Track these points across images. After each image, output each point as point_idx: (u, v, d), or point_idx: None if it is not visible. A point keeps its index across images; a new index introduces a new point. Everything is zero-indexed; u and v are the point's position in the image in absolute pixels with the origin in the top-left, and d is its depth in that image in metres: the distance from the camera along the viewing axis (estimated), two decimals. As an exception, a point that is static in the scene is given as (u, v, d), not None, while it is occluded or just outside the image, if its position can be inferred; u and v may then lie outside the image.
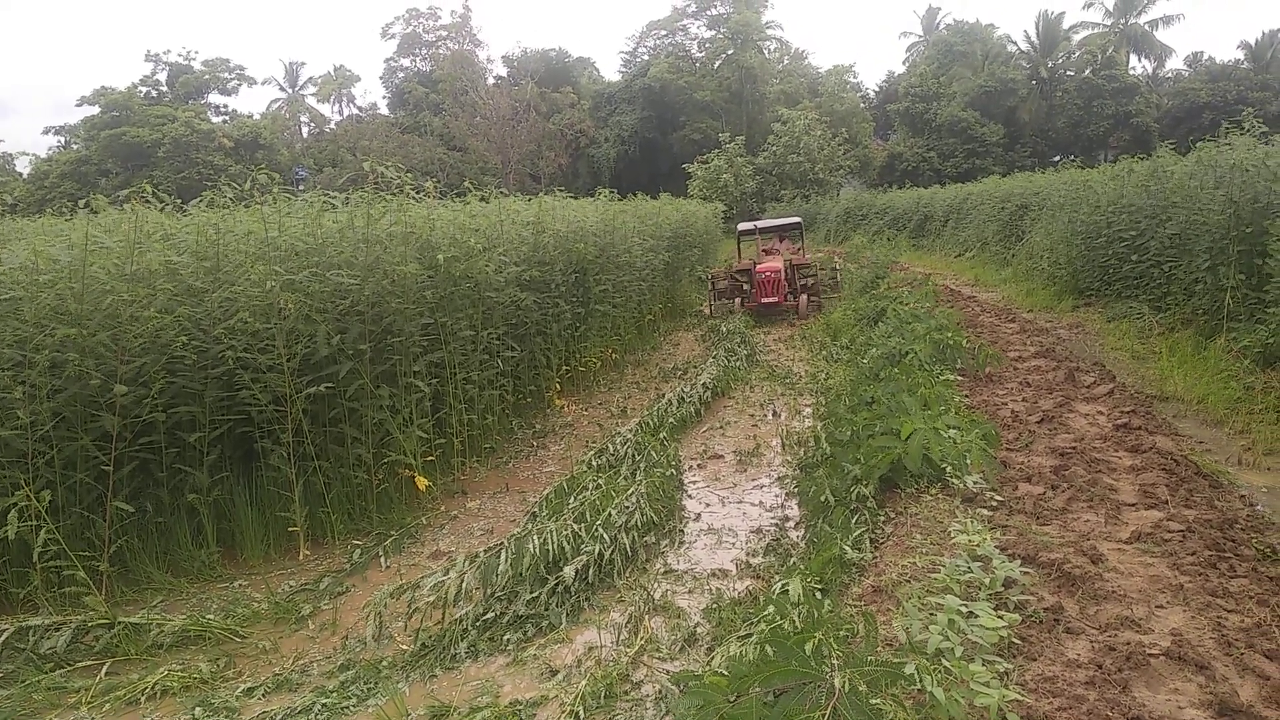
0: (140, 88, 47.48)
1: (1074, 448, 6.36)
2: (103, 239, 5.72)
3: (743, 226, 19.14)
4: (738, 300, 16.42)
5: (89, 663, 4.48)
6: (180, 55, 49.74)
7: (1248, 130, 11.12)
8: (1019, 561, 4.17)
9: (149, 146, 41.40)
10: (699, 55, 59.87)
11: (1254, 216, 9.20)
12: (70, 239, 5.84)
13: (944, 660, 3.11)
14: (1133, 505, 5.27)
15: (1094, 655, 3.43)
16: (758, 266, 16.34)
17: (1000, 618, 3.48)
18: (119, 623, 4.64)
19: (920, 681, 2.86)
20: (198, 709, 4.00)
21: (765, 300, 15.74)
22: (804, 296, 16.28)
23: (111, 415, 5.16)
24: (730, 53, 57.43)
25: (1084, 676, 3.26)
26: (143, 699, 4.14)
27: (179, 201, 7.28)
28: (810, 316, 15.58)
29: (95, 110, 43.69)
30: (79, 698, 4.18)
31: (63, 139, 47.41)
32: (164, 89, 48.83)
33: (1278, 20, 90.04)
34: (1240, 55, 54.93)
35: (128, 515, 5.30)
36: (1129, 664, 3.33)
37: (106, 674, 4.37)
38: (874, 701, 2.69)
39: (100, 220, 6.33)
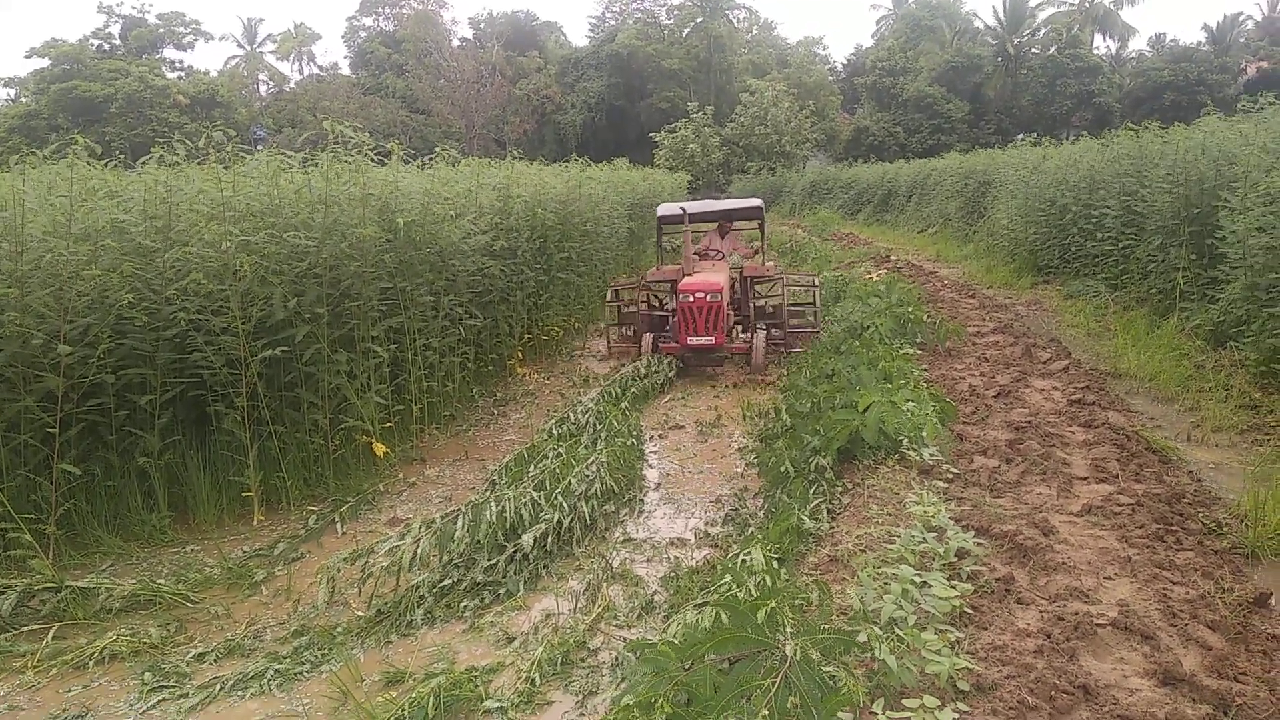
0: (92, 40, 45.98)
1: (1029, 422, 6.46)
2: (29, 194, 5.50)
3: (664, 210, 11.45)
4: (648, 338, 10.04)
5: (35, 627, 4.37)
6: (134, 8, 48.25)
7: (1205, 113, 11.33)
8: (973, 533, 4.23)
9: (101, 101, 40.13)
10: (668, 22, 59.37)
11: (1201, 198, 9.36)
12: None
13: (897, 629, 3.15)
14: (1084, 479, 5.38)
15: (1043, 625, 3.50)
16: (683, 283, 9.68)
17: (953, 588, 3.54)
18: (66, 586, 4.54)
19: (873, 649, 2.89)
20: (147, 674, 3.94)
21: (694, 342, 9.39)
22: (759, 334, 9.95)
23: (56, 376, 5.02)
24: (699, 21, 57.03)
25: (1033, 645, 3.33)
26: (91, 663, 4.06)
27: (128, 159, 7.05)
28: (768, 371, 9.67)
29: (45, 63, 42.25)
30: (25, 662, 4.09)
31: (12, 92, 45.90)
32: (116, 42, 47.32)
33: (1238, 4, 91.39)
34: (1202, 37, 55.77)
35: (75, 478, 5.17)
36: (1077, 634, 3.40)
37: (53, 638, 4.27)
38: (826, 669, 2.71)
39: (39, 176, 6.10)
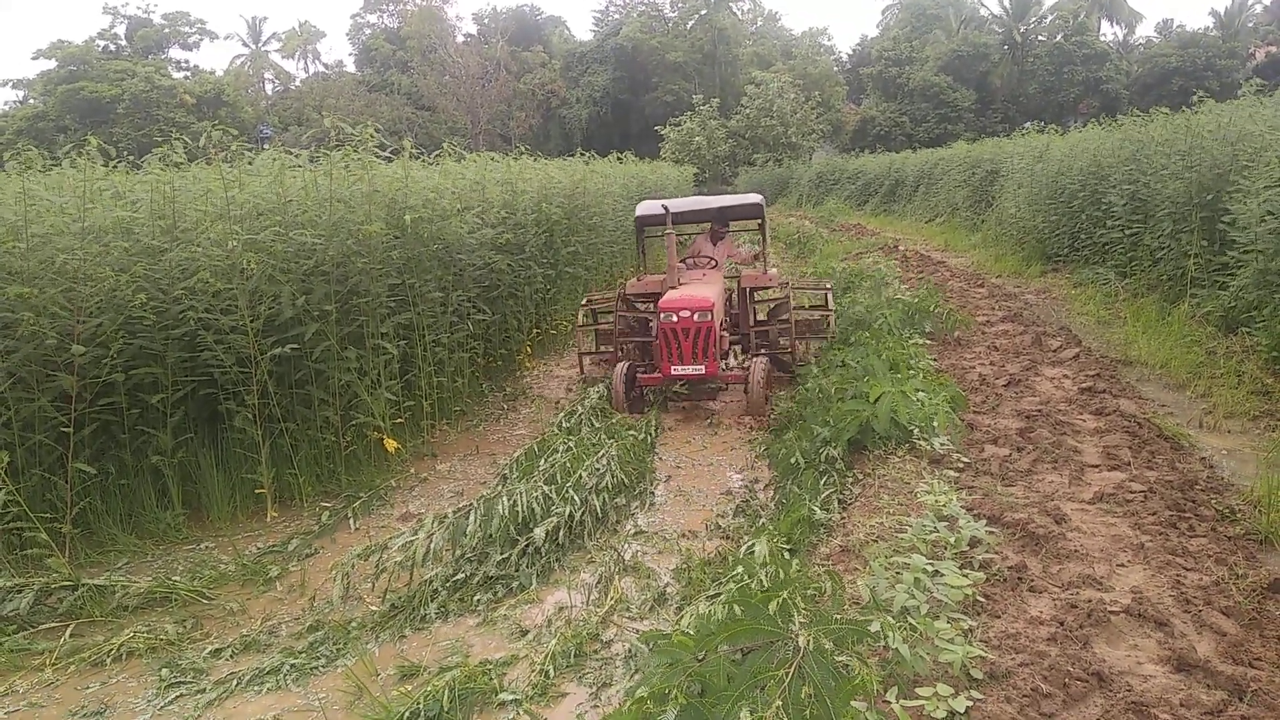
0: (98, 41, 46.10)
1: (1040, 410, 6.44)
2: (41, 193, 5.52)
3: (643, 209, 9.43)
4: (621, 368, 8.07)
5: (52, 625, 4.41)
6: (139, 8, 48.40)
7: (1201, 98, 11.31)
8: (984, 521, 4.23)
9: (108, 102, 40.24)
10: (671, 15, 59.25)
11: (1214, 183, 9.31)
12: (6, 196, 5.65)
13: (910, 618, 3.15)
14: (1096, 467, 5.36)
15: (1056, 612, 3.49)
16: (664, 300, 7.90)
17: (965, 576, 3.53)
18: (82, 585, 4.58)
19: (886, 638, 2.90)
20: (164, 670, 3.97)
21: (680, 371, 7.69)
22: (759, 359, 8.11)
23: (69, 375, 5.05)
24: (703, 13, 56.90)
25: (1046, 633, 3.33)
26: (108, 660, 4.09)
27: (136, 160, 7.06)
28: (768, 404, 7.70)
29: (52, 64, 42.39)
30: (43, 660, 4.13)
31: (21, 93, 46.07)
32: (123, 43, 47.47)
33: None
34: (1210, 22, 55.40)
35: (89, 477, 5.20)
36: (1090, 621, 3.40)
37: (71, 636, 4.30)
38: (839, 658, 2.72)
39: (44, 177, 6.11)
